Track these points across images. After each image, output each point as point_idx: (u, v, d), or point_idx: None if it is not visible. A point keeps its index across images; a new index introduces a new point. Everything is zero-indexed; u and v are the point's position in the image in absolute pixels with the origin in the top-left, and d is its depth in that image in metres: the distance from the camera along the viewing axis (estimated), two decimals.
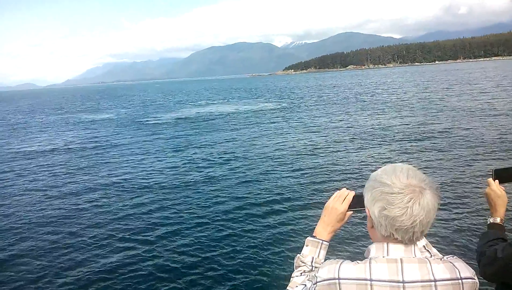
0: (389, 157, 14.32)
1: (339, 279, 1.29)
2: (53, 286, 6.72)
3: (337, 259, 1.38)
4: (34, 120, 40.96)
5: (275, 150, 17.00)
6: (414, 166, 1.33)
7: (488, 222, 2.01)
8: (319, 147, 16.96)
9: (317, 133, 20.87)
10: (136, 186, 12.59)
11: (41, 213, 10.50)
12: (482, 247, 1.92)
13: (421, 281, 1.24)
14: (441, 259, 1.32)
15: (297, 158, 15.02)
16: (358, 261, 1.33)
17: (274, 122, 26.69)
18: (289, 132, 22.01)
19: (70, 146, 21.56)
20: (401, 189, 1.26)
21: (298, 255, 1.61)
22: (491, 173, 1.98)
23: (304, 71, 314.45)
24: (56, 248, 8.19)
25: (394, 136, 18.04)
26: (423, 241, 1.35)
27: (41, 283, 6.84)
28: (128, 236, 8.60)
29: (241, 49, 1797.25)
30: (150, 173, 14.20)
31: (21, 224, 9.76)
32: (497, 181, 1.98)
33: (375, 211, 1.30)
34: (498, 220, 1.97)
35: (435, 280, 1.24)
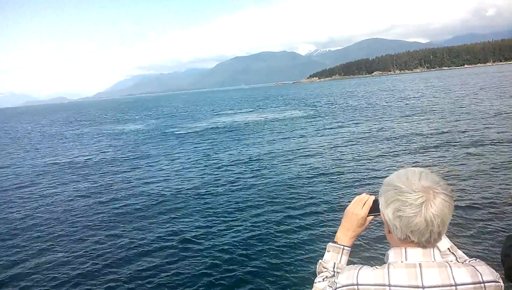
0: (414, 162, 14.52)
1: (357, 284, 1.29)
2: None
3: (356, 265, 1.38)
4: (68, 132, 42.93)
5: (299, 156, 17.45)
6: (429, 169, 1.34)
7: None
8: (343, 153, 17.29)
9: (341, 139, 21.15)
10: (166, 192, 13.32)
11: (72, 220, 11.21)
12: (506, 250, 1.89)
13: (442, 286, 1.22)
14: (462, 263, 1.30)
15: (320, 164, 15.40)
16: (377, 267, 1.32)
17: (299, 129, 27.13)
18: (314, 139, 22.38)
19: (103, 156, 22.73)
20: (414, 190, 1.26)
21: (320, 261, 1.62)
22: None
23: (329, 78, 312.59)
24: (91, 255, 8.79)
25: (419, 142, 18.13)
26: (447, 243, 1.35)
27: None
28: (157, 241, 9.17)
29: (265, 58, 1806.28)
30: (179, 181, 14.90)
31: (60, 231, 10.60)
32: None
33: (389, 213, 1.30)
34: None
35: (456, 285, 1.22)
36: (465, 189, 10.57)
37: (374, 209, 1.56)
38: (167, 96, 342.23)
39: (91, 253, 8.67)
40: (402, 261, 1.30)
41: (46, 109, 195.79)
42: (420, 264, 1.27)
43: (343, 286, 1.32)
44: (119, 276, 7.49)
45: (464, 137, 18.10)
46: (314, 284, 1.56)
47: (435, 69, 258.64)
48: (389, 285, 1.24)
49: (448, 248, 1.33)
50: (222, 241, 8.69)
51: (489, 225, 8.09)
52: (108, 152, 24.38)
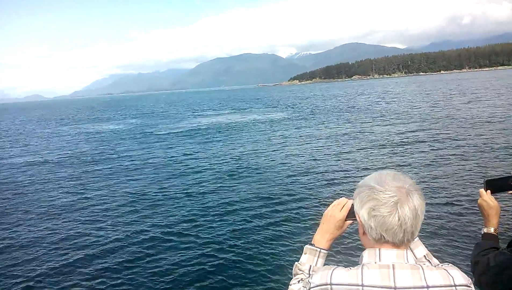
0: (388, 163, 14.78)
1: (331, 284, 1.30)
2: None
3: (330, 265, 1.39)
4: (43, 131, 41.82)
5: (279, 158, 17.51)
6: (403, 173, 1.36)
7: (482, 232, 2.01)
8: (323, 156, 17.45)
9: (321, 141, 21.35)
10: (149, 194, 13.13)
11: (48, 222, 10.99)
12: (476, 257, 1.92)
13: (414, 287, 1.24)
14: (435, 266, 1.32)
15: (300, 167, 15.48)
16: (351, 267, 1.34)
17: (281, 131, 27.29)
18: (294, 140, 22.49)
19: (80, 156, 22.22)
20: (388, 190, 1.29)
21: (297, 263, 1.62)
22: (482, 183, 1.99)
23: (310, 81, 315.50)
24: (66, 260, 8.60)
25: (395, 145, 18.54)
26: (423, 251, 1.36)
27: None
28: (143, 245, 9.06)
29: (246, 60, 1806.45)
30: (160, 182, 14.72)
31: (29, 233, 10.30)
32: (489, 191, 1.99)
33: (364, 214, 1.33)
34: (492, 230, 1.98)
35: (427, 287, 1.24)
36: (437, 193, 10.79)
37: (352, 212, 1.55)
38: (147, 96, 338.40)
39: (73, 251, 8.44)
40: (376, 262, 1.31)
41: (22, 107, 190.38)
42: (393, 265, 1.28)
43: (316, 286, 1.33)
44: (96, 273, 7.29)
45: (437, 140, 18.61)
46: (289, 286, 1.57)
47: (412, 74, 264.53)
48: (362, 285, 1.26)
49: (424, 255, 1.36)
50: (201, 241, 8.67)
51: (459, 231, 8.20)
52: (85, 151, 23.83)
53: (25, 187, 15.33)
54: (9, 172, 18.73)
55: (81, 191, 14.10)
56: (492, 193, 1.99)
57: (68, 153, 23.60)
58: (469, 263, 1.91)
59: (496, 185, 1.99)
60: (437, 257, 1.33)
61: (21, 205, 12.76)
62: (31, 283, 7.37)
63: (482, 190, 1.99)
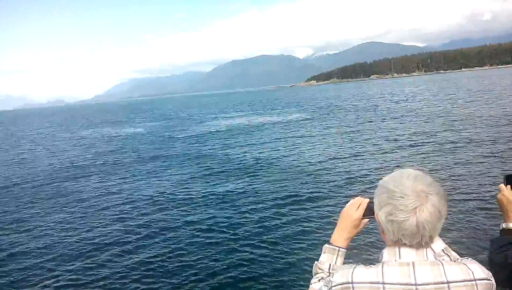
0: (409, 163, 14.81)
1: (352, 283, 1.32)
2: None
3: (351, 264, 1.40)
4: (69, 135, 43.00)
5: (298, 159, 17.74)
6: (424, 171, 1.35)
7: (501, 228, 1.99)
8: (341, 155, 17.55)
9: (340, 141, 21.45)
10: (174, 196, 13.54)
11: (69, 222, 11.43)
12: (493, 253, 1.92)
13: (434, 283, 1.25)
14: (454, 261, 1.32)
15: (318, 167, 15.64)
16: (371, 265, 1.36)
17: (298, 131, 27.46)
18: (313, 141, 22.66)
19: (103, 159, 22.90)
20: (406, 195, 1.27)
21: (316, 262, 1.65)
22: (503, 178, 1.98)
23: (326, 82, 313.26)
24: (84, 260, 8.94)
25: (417, 144, 18.50)
26: (441, 245, 1.36)
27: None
28: (159, 246, 9.40)
29: (262, 62, 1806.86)
30: (180, 185, 15.06)
31: (50, 233, 10.81)
32: (509, 186, 1.98)
33: (382, 216, 1.33)
34: (510, 225, 1.97)
35: (448, 282, 1.25)
36: (459, 189, 10.84)
37: (369, 211, 1.59)
38: (165, 99, 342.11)
39: (92, 255, 8.87)
40: (396, 260, 1.33)
41: (46, 112, 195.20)
42: (413, 262, 1.30)
43: (338, 285, 1.35)
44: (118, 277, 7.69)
45: (460, 138, 18.45)
46: (310, 285, 1.60)
47: (432, 72, 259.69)
48: (383, 283, 1.28)
49: (443, 250, 1.35)
50: (220, 242, 8.89)
51: (479, 227, 8.28)
52: (107, 155, 24.51)
53: (48, 187, 15.99)
54: (36, 173, 19.49)
55: (106, 192, 14.63)
56: None
57: (91, 156, 24.34)
58: (487, 257, 1.92)
59: None
60: (457, 253, 1.32)
61: (48, 204, 13.34)
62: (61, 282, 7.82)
63: (502, 185, 1.99)
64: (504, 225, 1.98)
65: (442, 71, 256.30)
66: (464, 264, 1.30)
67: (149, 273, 7.67)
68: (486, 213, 8.98)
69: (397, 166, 14.46)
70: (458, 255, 1.37)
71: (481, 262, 1.34)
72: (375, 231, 7.80)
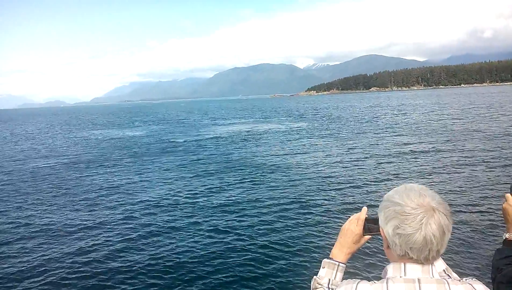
0: (413, 177, 14.69)
1: None
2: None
3: (354, 279, 1.38)
4: (67, 135, 42.86)
5: (299, 169, 17.58)
6: (427, 185, 1.36)
7: (504, 238, 1.96)
8: (343, 168, 17.44)
9: (342, 152, 21.34)
10: (176, 201, 13.41)
11: (70, 221, 11.33)
12: (497, 263, 1.88)
13: None
14: (459, 280, 1.30)
15: (317, 179, 15.50)
16: (375, 281, 1.33)
17: (298, 140, 27.37)
18: (314, 152, 22.55)
19: (102, 161, 22.74)
20: (413, 209, 1.27)
21: (315, 277, 1.63)
22: (509, 188, 1.96)
23: (327, 92, 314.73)
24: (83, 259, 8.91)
25: (414, 157, 18.44)
26: (442, 265, 1.34)
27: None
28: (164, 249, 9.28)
29: (263, 70, 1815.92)
30: (183, 191, 14.94)
31: (48, 230, 10.66)
32: None
33: (389, 230, 1.32)
34: None
35: None
36: (460, 204, 10.78)
37: (370, 227, 1.59)
38: (166, 103, 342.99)
39: (94, 254, 8.71)
40: (401, 276, 1.30)
41: (44, 112, 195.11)
42: (419, 279, 1.27)
43: None
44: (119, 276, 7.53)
45: (459, 152, 18.44)
46: None
47: (432, 87, 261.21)
48: None
49: (444, 270, 1.33)
50: (220, 248, 8.78)
51: (482, 238, 8.26)
52: (109, 156, 24.38)
53: (47, 185, 15.81)
54: (35, 171, 19.31)
55: (107, 194, 14.48)
56: None
57: (89, 157, 24.18)
58: (490, 277, 1.87)
59: None
60: (458, 267, 1.40)
61: (47, 200, 13.19)
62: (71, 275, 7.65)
63: (509, 195, 1.96)
64: (507, 235, 1.95)
65: (441, 86, 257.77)
66: (469, 284, 1.28)
67: (154, 268, 7.62)
68: (490, 225, 8.91)
69: (398, 178, 14.40)
70: (461, 275, 1.36)
71: (483, 279, 1.33)
72: (376, 247, 7.76)
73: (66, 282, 7.55)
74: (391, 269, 1.34)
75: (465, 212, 10.17)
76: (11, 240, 9.95)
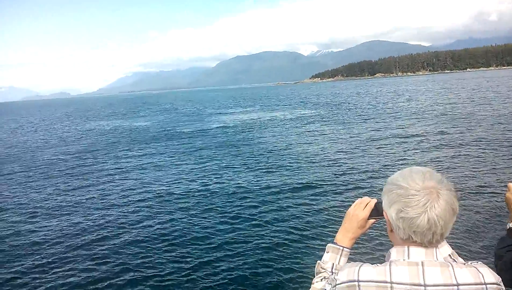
0: (417, 161, 14.71)
1: (358, 281, 1.28)
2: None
3: (357, 262, 1.38)
4: (72, 128, 43.06)
5: (303, 156, 17.61)
6: (434, 169, 1.32)
7: (508, 227, 1.95)
8: (345, 153, 17.44)
9: (344, 139, 21.30)
10: (179, 191, 13.50)
11: (70, 216, 11.41)
12: (500, 251, 1.89)
13: (444, 285, 1.22)
14: (464, 264, 1.29)
15: (323, 165, 15.54)
16: (378, 264, 1.32)
17: (304, 128, 27.32)
18: (318, 139, 22.54)
19: (109, 152, 22.87)
20: (417, 191, 1.25)
21: (319, 261, 1.63)
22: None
23: (331, 79, 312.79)
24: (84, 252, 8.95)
25: (422, 142, 18.42)
26: (448, 250, 1.33)
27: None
28: (162, 241, 9.37)
29: (266, 58, 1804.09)
30: (187, 180, 15.00)
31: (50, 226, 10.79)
32: None
33: (392, 214, 1.30)
34: None
35: (458, 284, 1.22)
36: (467, 188, 10.80)
37: (376, 212, 1.57)
38: (168, 93, 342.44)
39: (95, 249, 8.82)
40: (404, 259, 1.29)
41: (49, 104, 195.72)
42: (422, 262, 1.27)
43: (343, 283, 1.31)
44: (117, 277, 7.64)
45: (467, 138, 18.36)
46: (311, 284, 1.58)
47: (437, 72, 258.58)
48: (391, 282, 1.24)
49: (449, 255, 1.32)
50: (223, 240, 8.78)
51: (486, 227, 8.23)
52: (115, 147, 24.50)
53: (53, 179, 15.96)
54: (42, 161, 19.48)
55: (109, 186, 14.59)
56: None
57: (97, 148, 24.32)
58: (493, 256, 1.90)
59: None
60: (462, 255, 1.34)
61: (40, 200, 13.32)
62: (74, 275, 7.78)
63: (511, 184, 1.95)
64: (511, 225, 1.94)
65: (447, 71, 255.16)
66: (474, 267, 1.27)
67: (155, 264, 7.65)
68: (495, 212, 8.91)
69: (404, 164, 14.38)
70: (463, 258, 1.35)
71: (488, 265, 1.32)
72: (381, 231, 7.78)
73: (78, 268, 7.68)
74: (395, 252, 1.34)
75: (472, 196, 10.19)
76: (21, 225, 10.10)
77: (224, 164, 16.88)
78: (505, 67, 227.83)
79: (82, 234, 9.54)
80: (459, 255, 1.34)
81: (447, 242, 1.34)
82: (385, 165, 14.53)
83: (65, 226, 10.20)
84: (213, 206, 11.10)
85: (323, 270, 1.58)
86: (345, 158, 16.44)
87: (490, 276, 1.25)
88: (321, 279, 1.55)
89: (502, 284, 1.27)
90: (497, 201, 9.59)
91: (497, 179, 11.48)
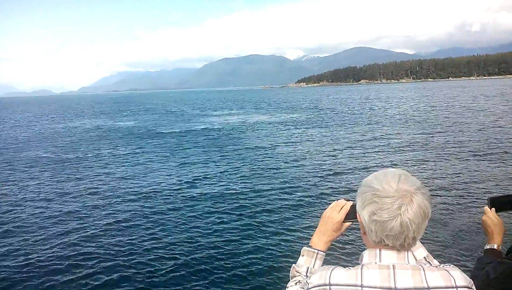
0: (393, 164, 14.80)
1: (330, 285, 1.27)
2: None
3: (329, 266, 1.37)
4: (51, 127, 42.24)
5: (283, 160, 17.62)
6: (408, 171, 1.32)
7: (485, 248, 1.98)
8: (324, 157, 17.51)
9: (325, 143, 21.40)
10: (154, 191, 13.35)
11: (54, 217, 11.13)
12: (474, 271, 1.88)
13: (414, 288, 1.22)
14: (436, 267, 1.29)
15: (306, 167, 15.56)
16: (350, 267, 1.32)
17: (287, 132, 27.40)
18: (299, 143, 22.62)
19: (89, 154, 22.52)
20: (391, 194, 1.24)
21: (294, 265, 1.61)
22: (487, 200, 1.96)
23: (317, 84, 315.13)
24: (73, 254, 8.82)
25: (400, 147, 18.68)
26: (423, 253, 1.33)
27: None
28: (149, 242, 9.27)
29: (253, 61, 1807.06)
30: (169, 182, 14.84)
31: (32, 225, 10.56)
32: (493, 209, 1.97)
33: (365, 216, 1.30)
34: (495, 246, 1.95)
35: (428, 288, 1.22)
36: (442, 195, 10.91)
37: (351, 215, 1.55)
38: (154, 94, 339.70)
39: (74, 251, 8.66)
40: (376, 263, 1.29)
41: (29, 102, 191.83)
42: (393, 265, 1.26)
43: (315, 286, 1.31)
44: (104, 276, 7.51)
45: (446, 145, 18.65)
46: (286, 288, 1.56)
47: (421, 80, 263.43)
48: (362, 286, 1.24)
49: (425, 257, 1.32)
50: (201, 242, 8.73)
51: (464, 232, 8.29)
52: (95, 149, 24.13)
53: (33, 183, 15.62)
54: (23, 163, 19.04)
55: (99, 189, 14.35)
56: (496, 211, 1.97)
57: (80, 149, 23.92)
58: (470, 266, 1.87)
59: (500, 203, 1.98)
60: (441, 257, 1.39)
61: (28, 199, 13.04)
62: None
63: (487, 207, 1.97)
64: (488, 246, 1.97)
65: (430, 79, 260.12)
66: (446, 270, 1.27)
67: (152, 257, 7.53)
68: (470, 216, 9.03)
69: (386, 166, 14.46)
70: (439, 261, 1.35)
71: (463, 269, 1.31)
72: (358, 234, 7.75)
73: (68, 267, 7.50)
74: (367, 255, 1.33)
75: (448, 200, 10.30)
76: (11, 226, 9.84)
77: (210, 167, 16.77)
78: (485, 77, 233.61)
79: (67, 234, 9.32)
80: (438, 259, 1.34)
81: (423, 244, 1.34)
82: (367, 168, 14.71)
83: (49, 225, 9.96)
84: (198, 206, 11.04)
85: (298, 274, 1.57)
86: (328, 161, 16.55)
87: (461, 279, 1.25)
88: (296, 283, 1.54)
89: (474, 287, 1.27)
90: (474, 207, 9.69)
91: (475, 185, 11.65)
